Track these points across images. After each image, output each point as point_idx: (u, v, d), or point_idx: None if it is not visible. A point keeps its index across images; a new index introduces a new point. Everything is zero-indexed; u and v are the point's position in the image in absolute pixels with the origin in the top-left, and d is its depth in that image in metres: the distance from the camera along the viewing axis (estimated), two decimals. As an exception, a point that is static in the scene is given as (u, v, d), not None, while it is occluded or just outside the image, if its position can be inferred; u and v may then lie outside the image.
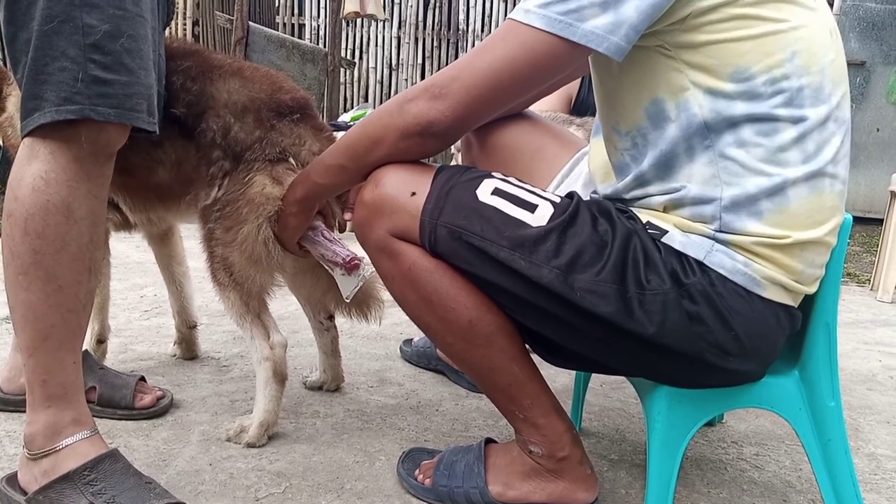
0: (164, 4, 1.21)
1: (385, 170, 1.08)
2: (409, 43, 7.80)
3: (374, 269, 1.16)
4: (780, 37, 0.94)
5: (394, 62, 7.84)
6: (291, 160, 1.33)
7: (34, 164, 1.03)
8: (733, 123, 0.96)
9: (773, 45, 0.94)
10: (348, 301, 1.38)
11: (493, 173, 1.08)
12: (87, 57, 1.02)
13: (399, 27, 7.79)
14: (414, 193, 1.05)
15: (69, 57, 1.01)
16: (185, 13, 6.63)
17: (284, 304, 2.26)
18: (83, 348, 1.54)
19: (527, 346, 1.13)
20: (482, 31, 7.64)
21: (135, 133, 1.12)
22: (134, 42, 1.07)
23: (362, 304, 1.54)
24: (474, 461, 1.20)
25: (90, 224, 1.08)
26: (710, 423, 1.61)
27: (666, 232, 1.00)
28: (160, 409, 1.49)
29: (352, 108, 7.05)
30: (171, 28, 6.52)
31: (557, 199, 1.04)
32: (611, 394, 1.78)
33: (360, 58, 7.85)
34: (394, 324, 2.24)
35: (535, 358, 1.14)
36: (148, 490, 1.06)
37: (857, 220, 1.05)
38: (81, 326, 1.11)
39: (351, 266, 1.32)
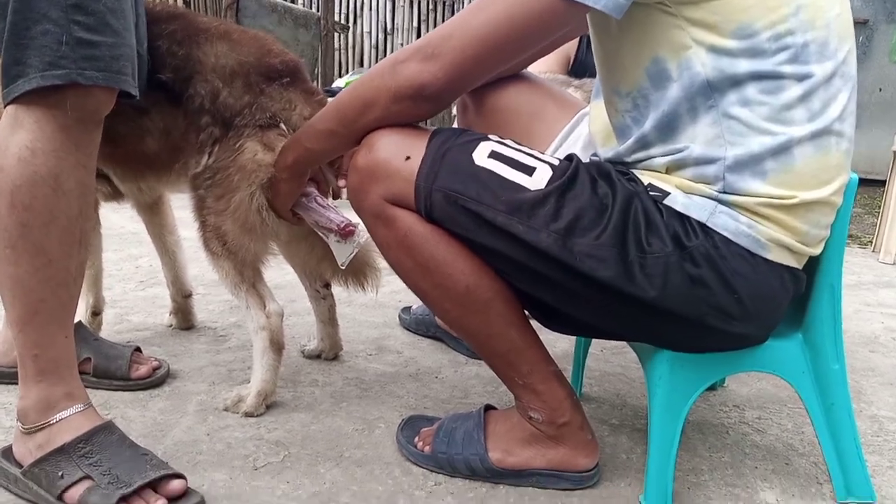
0: None
1: (378, 134, 1.05)
2: (403, 6, 7.67)
3: (368, 235, 1.14)
4: (784, -10, 0.90)
5: (388, 26, 7.72)
6: (282, 125, 1.29)
7: (19, 134, 1.00)
8: (737, 82, 0.93)
9: (778, -1, 0.90)
10: (343, 268, 1.36)
11: (490, 136, 1.05)
12: (69, 18, 0.97)
13: (394, -10, 7.66)
14: (408, 157, 1.02)
15: (51, 19, 0.96)
16: (175, -22, 6.50)
17: (281, 273, 2.24)
18: (77, 320, 1.54)
19: (526, 311, 1.12)
20: (478, -7, 7.51)
21: (119, 98, 1.09)
22: (116, 1, 1.03)
23: (358, 272, 1.52)
24: (474, 428, 1.19)
25: (79, 195, 1.05)
26: (711, 387, 1.60)
27: (668, 194, 0.98)
28: (156, 380, 1.47)
29: (346, 73, 6.97)
30: (161, -6, 6.41)
31: (556, 162, 1.02)
32: (611, 359, 1.77)
33: (355, 22, 7.73)
34: (392, 291, 2.22)
35: (535, 324, 1.12)
36: (144, 461, 1.06)
37: (859, 181, 1.03)
38: (73, 300, 1.09)
39: (346, 232, 1.30)
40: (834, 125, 0.95)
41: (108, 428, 1.08)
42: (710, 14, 0.91)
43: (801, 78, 0.92)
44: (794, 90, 0.93)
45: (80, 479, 1.01)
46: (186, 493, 1.05)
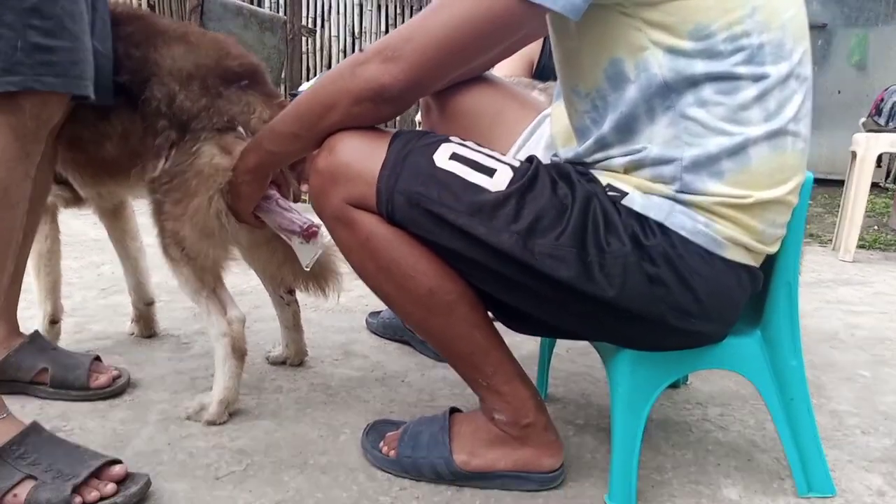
0: None
1: (339, 136, 1.04)
2: (371, 10, 7.67)
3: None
4: (739, -9, 0.91)
5: (357, 30, 7.70)
6: (240, 129, 1.28)
7: None
8: (694, 82, 0.94)
9: (733, 0, 0.91)
10: (308, 269, 1.35)
11: (451, 137, 1.05)
12: (25, 23, 0.94)
13: (361, -6, 7.65)
14: (370, 160, 1.02)
15: (5, 23, 0.93)
16: (138, -19, 6.42)
17: (246, 279, 2.22)
18: (35, 329, 1.51)
19: (490, 314, 1.11)
20: (446, -3, 7.53)
21: (83, 100, 1.06)
22: (73, 4, 1.01)
23: (319, 277, 1.51)
24: (439, 431, 1.18)
25: (22, 207, 1.03)
26: (674, 385, 1.62)
27: (626, 194, 0.98)
28: (117, 389, 1.44)
29: (314, 76, 6.93)
30: (124, -3, 6.33)
31: (517, 164, 1.02)
32: (577, 359, 1.78)
33: (323, 26, 7.71)
34: (359, 296, 2.21)
35: (500, 326, 1.12)
36: (81, 453, 1.06)
37: (819, 181, 1.05)
38: None
39: (309, 234, 1.29)
40: (789, 125, 0.96)
41: (35, 429, 1.08)
42: (666, 15, 0.92)
43: (757, 79, 0.94)
44: (749, 91, 0.94)
45: (23, 480, 1.00)
46: (130, 476, 1.07)
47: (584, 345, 1.82)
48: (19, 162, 0.99)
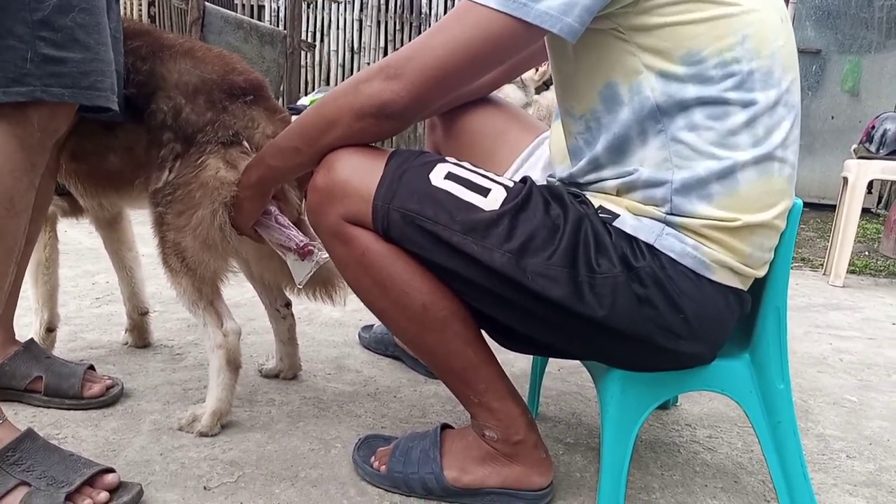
0: None
1: (337, 154, 1.06)
2: (371, 26, 7.73)
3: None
4: (731, 20, 0.94)
5: (356, 45, 7.76)
6: (245, 143, 1.30)
7: None
8: (685, 107, 0.96)
9: (725, 28, 0.94)
10: (301, 287, 1.36)
11: (447, 158, 1.07)
12: (35, 34, 0.96)
13: (361, 10, 7.72)
14: (367, 177, 1.04)
15: (16, 35, 0.95)
16: (140, -7, 6.47)
17: (241, 291, 2.23)
18: (30, 337, 1.52)
19: (483, 331, 1.13)
20: (444, 14, 7.60)
21: (97, 114, 1.08)
22: (88, 15, 1.02)
23: (327, 283, 1.51)
24: (430, 447, 1.19)
25: (27, 216, 1.04)
26: (664, 406, 1.63)
27: (617, 216, 1.00)
28: (110, 399, 1.45)
29: (313, 91, 6.97)
30: (125, 9, 6.37)
31: (510, 184, 1.04)
32: (568, 378, 1.80)
33: (322, 41, 7.77)
34: (353, 310, 2.22)
35: (493, 343, 1.14)
36: (74, 461, 1.07)
37: (811, 205, 1.07)
38: None
39: (305, 252, 1.30)
40: (777, 151, 0.98)
41: (30, 435, 1.08)
42: (660, 41, 0.95)
43: (746, 104, 0.96)
44: (739, 116, 0.96)
45: (16, 486, 1.01)
46: (122, 485, 1.08)
47: (575, 364, 1.84)
48: (25, 172, 1.00)
